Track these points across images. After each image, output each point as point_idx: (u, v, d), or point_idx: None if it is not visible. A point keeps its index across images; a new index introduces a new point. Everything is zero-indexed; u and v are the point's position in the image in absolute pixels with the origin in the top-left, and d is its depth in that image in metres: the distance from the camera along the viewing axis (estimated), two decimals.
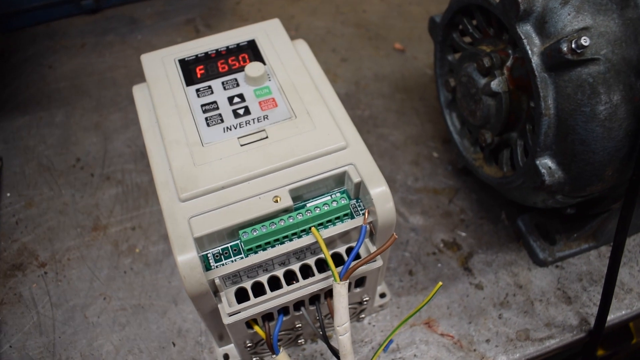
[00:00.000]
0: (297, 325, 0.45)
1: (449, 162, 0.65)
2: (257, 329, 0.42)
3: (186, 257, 0.37)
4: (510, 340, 0.52)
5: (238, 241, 0.40)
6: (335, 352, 0.43)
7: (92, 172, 0.67)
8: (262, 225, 0.39)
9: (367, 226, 0.40)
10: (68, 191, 0.65)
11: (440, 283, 0.41)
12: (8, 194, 0.65)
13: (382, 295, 0.52)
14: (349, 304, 0.47)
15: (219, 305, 0.40)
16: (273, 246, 0.40)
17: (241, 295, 0.41)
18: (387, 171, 0.63)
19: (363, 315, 0.52)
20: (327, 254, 0.39)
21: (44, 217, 0.63)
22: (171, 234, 0.38)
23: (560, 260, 0.57)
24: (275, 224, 0.39)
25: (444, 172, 0.64)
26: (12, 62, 0.81)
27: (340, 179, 0.42)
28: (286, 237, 0.40)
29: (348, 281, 0.39)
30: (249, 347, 0.45)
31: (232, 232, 0.39)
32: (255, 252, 0.40)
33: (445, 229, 0.59)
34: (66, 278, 0.58)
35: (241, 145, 0.42)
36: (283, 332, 0.47)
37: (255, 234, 0.38)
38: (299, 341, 0.50)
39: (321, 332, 0.43)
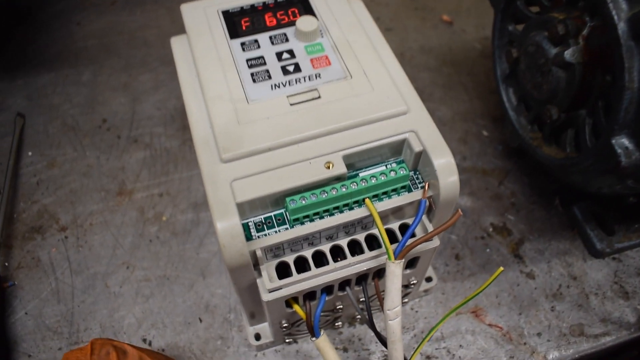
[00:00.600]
0: (338, 307, 0.42)
1: (500, 142, 0.60)
2: (297, 308, 0.38)
3: (227, 223, 0.33)
4: (563, 335, 0.48)
5: (283, 210, 0.36)
6: (382, 339, 0.39)
7: (119, 134, 0.63)
8: (312, 194, 0.35)
9: (427, 201, 0.36)
10: (93, 153, 0.62)
11: (501, 268, 0.37)
12: (30, 153, 0.62)
13: (429, 279, 0.48)
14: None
15: (258, 280, 0.36)
16: (322, 217, 0.36)
17: (282, 271, 0.37)
18: None
19: (406, 300, 0.48)
20: (381, 229, 0.35)
21: (66, 179, 0.60)
22: (211, 198, 0.34)
23: (618, 252, 0.53)
24: (327, 192, 0.35)
25: (493, 151, 0.59)
26: (39, 18, 0.77)
27: (397, 148, 0.38)
28: (337, 208, 0.36)
29: (403, 260, 0.35)
30: (285, 327, 0.42)
31: (278, 199, 0.35)
32: (302, 223, 0.36)
33: (495, 212, 0.55)
34: (87, 244, 0.55)
35: (291, 105, 0.38)
36: (323, 314, 0.43)
37: (303, 202, 0.34)
38: (337, 324, 0.47)
39: (367, 316, 0.39)
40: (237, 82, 0.39)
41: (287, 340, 0.47)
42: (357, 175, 0.38)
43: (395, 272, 0.35)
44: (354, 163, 0.38)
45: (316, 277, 0.36)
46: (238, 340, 0.48)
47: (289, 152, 0.36)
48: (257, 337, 0.46)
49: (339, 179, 0.36)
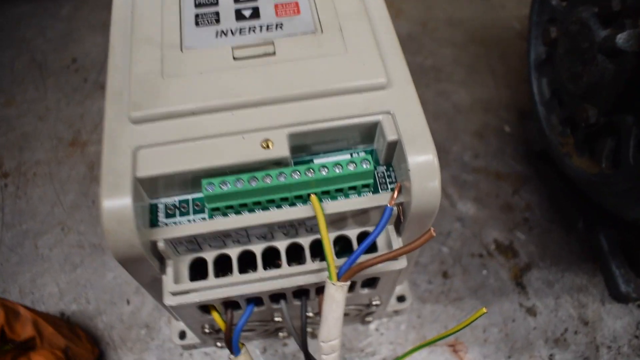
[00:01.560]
0: (277, 319, 0.33)
1: (523, 142, 0.50)
2: (215, 316, 0.30)
3: (115, 203, 0.25)
4: None
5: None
6: None
7: (86, 77, 0.56)
8: (238, 179, 0.26)
9: (394, 209, 0.27)
10: (54, 95, 0.55)
11: (484, 310, 0.28)
12: None
13: (401, 299, 0.39)
14: (351, 305, 0.35)
15: (163, 277, 0.28)
16: (251, 210, 0.27)
17: (199, 268, 0.29)
18: (441, 138, 0.49)
19: (370, 319, 0.39)
20: (325, 237, 0.26)
21: (20, 120, 0.53)
22: (104, 166, 0.26)
23: None
24: (258, 180, 0.26)
25: (513, 152, 0.49)
26: None
27: (369, 132, 0.29)
28: (272, 201, 0.27)
29: (349, 282, 0.26)
30: (208, 333, 0.34)
31: (194, 180, 0.27)
32: (224, 215, 0.27)
33: (502, 226, 0.45)
34: (27, 196, 0.48)
35: (234, 59, 0.29)
36: (256, 323, 0.35)
37: (224, 188, 0.26)
38: (280, 334, 0.38)
39: (300, 340, 0.31)
40: (176, 23, 0.30)
41: (219, 345, 0.39)
42: (309, 162, 0.29)
43: (335, 297, 0.26)
44: (307, 145, 0.29)
45: (238, 286, 0.28)
46: (166, 333, 0.41)
47: (219, 120, 0.27)
48: (182, 335, 0.38)
49: (278, 163, 0.27)
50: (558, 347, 0.40)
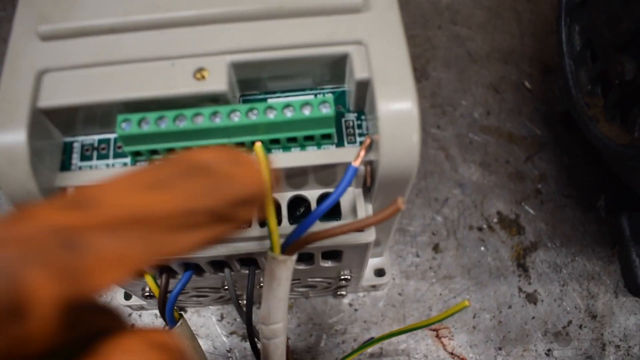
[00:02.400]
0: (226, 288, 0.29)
1: (544, 101, 0.43)
2: (148, 280, 0.26)
3: (6, 138, 0.20)
4: None
5: None
6: (256, 354, 0.26)
7: None
8: (161, 117, 0.20)
9: (359, 168, 0.21)
10: None
11: (467, 303, 0.22)
12: None
13: (380, 273, 0.34)
14: (316, 277, 0.30)
15: None
16: None
17: None
18: (449, 90, 0.42)
19: (344, 293, 0.34)
20: (268, 198, 0.21)
21: None
22: (1, 91, 0.21)
23: None
24: (187, 119, 0.20)
25: (531, 112, 0.42)
26: None
27: (338, 68, 0.23)
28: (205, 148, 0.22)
29: (294, 257, 0.21)
30: (149, 296, 0.29)
31: (109, 114, 0.22)
32: (149, 161, 0.22)
33: (509, 197, 0.39)
34: None
35: None
36: (207, 289, 0.30)
37: (144, 128, 0.20)
38: (241, 302, 0.34)
39: (245, 317, 0.26)
40: None
41: None
42: (264, 100, 0.23)
43: (275, 273, 0.21)
44: (260, 80, 0.23)
45: None
46: (121, 293, 0.36)
47: (144, 41, 0.21)
48: (127, 296, 0.34)
49: (214, 99, 0.21)
50: (558, 342, 0.34)
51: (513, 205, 0.39)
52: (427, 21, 0.45)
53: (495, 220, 0.38)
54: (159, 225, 0.12)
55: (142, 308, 0.35)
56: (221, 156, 0.14)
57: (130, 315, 0.35)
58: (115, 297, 0.34)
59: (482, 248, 0.37)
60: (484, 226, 0.38)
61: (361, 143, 0.23)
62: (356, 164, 0.21)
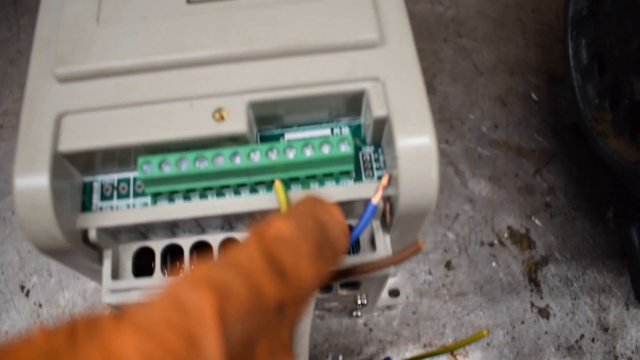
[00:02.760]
0: None
1: (552, 112, 0.43)
2: None
3: (29, 182, 0.20)
4: None
5: None
6: None
7: None
8: (182, 159, 0.21)
9: (379, 205, 0.21)
10: (28, 36, 0.49)
11: (485, 332, 0.22)
12: None
13: (394, 293, 0.34)
14: (333, 302, 0.30)
15: (103, 268, 0.24)
16: (203, 196, 0.22)
17: (149, 258, 0.24)
18: (456, 103, 0.42)
19: (358, 314, 0.34)
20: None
21: None
22: (21, 134, 0.21)
23: None
24: (208, 161, 0.21)
25: (539, 124, 0.42)
26: None
27: (354, 102, 0.23)
28: (226, 187, 0.22)
29: (316, 292, 0.21)
30: None
31: (137, 154, 0.22)
32: (171, 200, 0.22)
33: (519, 211, 0.39)
34: None
35: (188, 2, 0.23)
36: None
37: (165, 170, 0.20)
38: None
39: None
40: None
41: None
42: (280, 135, 0.23)
43: None
44: (277, 116, 0.23)
45: None
46: None
47: (162, 82, 0.22)
48: None
49: (234, 139, 0.21)
50: (571, 356, 0.35)
51: (523, 220, 0.39)
52: (432, 34, 0.45)
53: (505, 235, 0.38)
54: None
55: None
56: (334, 218, 0.17)
57: None
58: None
59: (494, 264, 0.37)
60: (495, 241, 0.38)
61: (379, 177, 0.23)
62: (375, 201, 0.21)
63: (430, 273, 0.37)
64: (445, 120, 0.42)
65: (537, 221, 0.39)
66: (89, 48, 0.22)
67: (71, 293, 0.38)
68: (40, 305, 0.37)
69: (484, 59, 0.45)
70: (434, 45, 0.45)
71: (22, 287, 0.38)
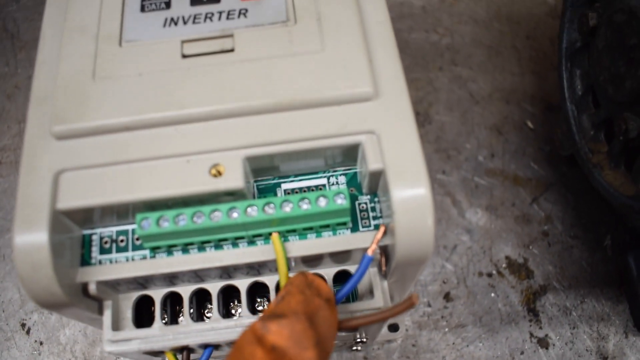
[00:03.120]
0: None
1: (548, 141, 0.43)
2: (169, 356, 0.26)
3: (29, 241, 0.20)
4: None
5: None
6: None
7: None
8: (179, 214, 0.21)
9: (374, 257, 0.22)
10: (26, 71, 0.49)
11: None
12: None
13: (393, 328, 0.34)
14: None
15: (104, 318, 0.24)
16: (201, 249, 0.22)
17: (149, 306, 0.25)
18: (453, 133, 0.43)
19: (358, 348, 0.34)
20: (283, 285, 0.21)
21: None
22: (19, 192, 0.21)
23: None
24: (205, 216, 0.21)
25: (536, 152, 0.43)
26: None
27: (350, 152, 0.23)
28: (224, 240, 0.22)
29: None
30: None
31: (135, 208, 0.22)
32: (169, 253, 0.22)
33: (517, 241, 0.39)
34: None
35: (183, 57, 0.23)
36: None
37: (163, 226, 0.21)
38: None
39: None
40: (117, 7, 0.24)
41: None
42: (277, 186, 0.24)
43: None
44: (273, 167, 0.23)
45: (189, 336, 0.23)
46: None
47: (159, 138, 0.22)
48: None
49: (231, 194, 0.22)
50: None
51: (521, 249, 0.39)
52: (427, 63, 0.45)
53: (504, 265, 0.38)
54: None
55: None
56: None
57: None
58: None
59: (493, 294, 0.37)
60: (493, 272, 0.38)
61: (376, 226, 0.23)
62: (370, 253, 0.21)
63: (429, 305, 0.37)
64: (441, 150, 0.42)
65: (534, 250, 0.39)
66: (86, 105, 0.22)
67: (72, 330, 0.38)
68: (41, 343, 0.37)
69: (479, 88, 0.45)
70: (429, 74, 0.45)
71: (23, 325, 0.38)
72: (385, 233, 0.22)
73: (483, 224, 0.40)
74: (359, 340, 0.30)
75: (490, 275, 0.38)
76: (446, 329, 0.36)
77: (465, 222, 0.40)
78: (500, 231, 0.39)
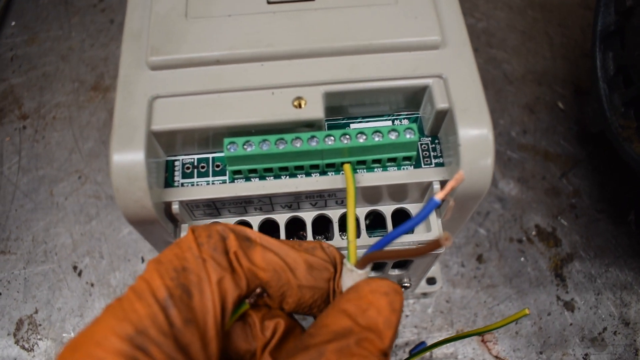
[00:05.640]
0: None
1: (577, 121, 0.45)
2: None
3: (126, 158, 0.22)
4: None
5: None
6: None
7: (113, 18, 0.53)
8: (264, 140, 0.23)
9: (441, 201, 0.23)
10: (79, 35, 0.52)
11: (527, 312, 0.24)
12: (13, 23, 0.53)
13: (431, 281, 0.36)
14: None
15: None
16: (277, 177, 0.24)
17: None
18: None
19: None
20: (351, 215, 0.23)
21: (42, 60, 0.50)
22: (117, 115, 0.23)
23: None
24: (287, 143, 0.23)
25: (566, 132, 0.45)
26: None
27: (415, 98, 0.25)
28: (301, 168, 0.24)
29: (368, 268, 0.23)
30: None
31: (215, 137, 0.24)
32: (247, 179, 0.25)
33: (546, 211, 0.41)
34: (45, 140, 0.46)
35: (268, 2, 0.25)
36: None
37: (248, 150, 0.23)
38: None
39: None
40: None
41: None
42: (345, 125, 0.26)
43: (347, 282, 0.23)
44: (344, 107, 0.25)
45: None
46: None
47: (246, 72, 0.24)
48: None
49: (310, 125, 0.24)
50: (594, 347, 0.37)
51: (550, 219, 0.41)
52: None
53: (533, 232, 0.40)
54: None
55: None
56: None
57: None
58: None
59: (522, 259, 0.39)
60: (524, 238, 0.40)
61: (437, 164, 0.25)
62: (440, 197, 0.22)
63: (463, 265, 0.39)
64: None
65: (563, 221, 0.41)
66: (180, 40, 0.24)
67: (122, 274, 0.40)
68: (92, 285, 0.40)
69: (513, 69, 0.48)
70: None
71: (75, 268, 0.40)
72: (459, 180, 0.23)
73: (515, 194, 0.42)
74: (403, 285, 0.32)
75: (520, 241, 0.40)
76: (478, 288, 0.38)
77: (497, 192, 0.42)
78: (531, 201, 0.41)
